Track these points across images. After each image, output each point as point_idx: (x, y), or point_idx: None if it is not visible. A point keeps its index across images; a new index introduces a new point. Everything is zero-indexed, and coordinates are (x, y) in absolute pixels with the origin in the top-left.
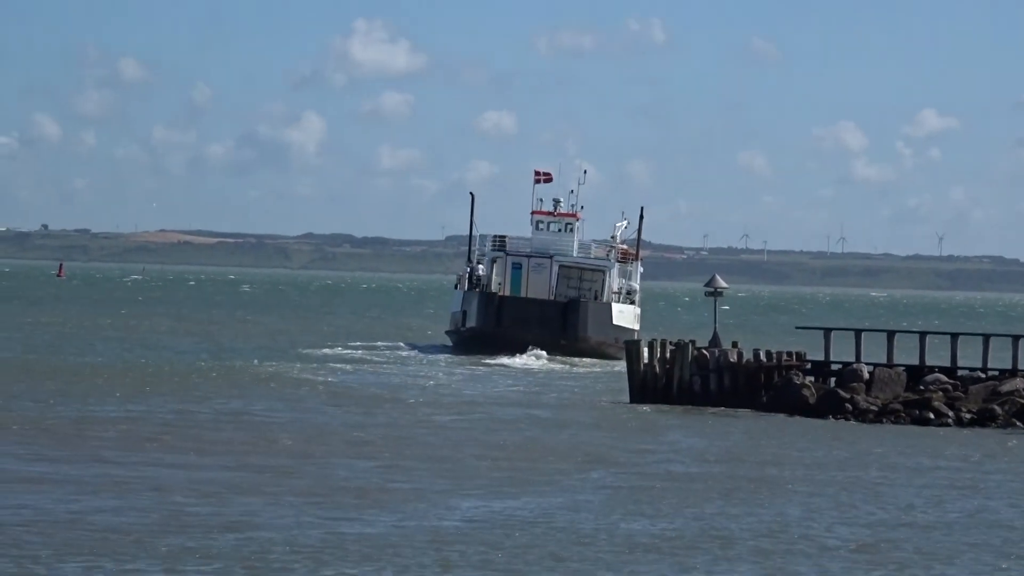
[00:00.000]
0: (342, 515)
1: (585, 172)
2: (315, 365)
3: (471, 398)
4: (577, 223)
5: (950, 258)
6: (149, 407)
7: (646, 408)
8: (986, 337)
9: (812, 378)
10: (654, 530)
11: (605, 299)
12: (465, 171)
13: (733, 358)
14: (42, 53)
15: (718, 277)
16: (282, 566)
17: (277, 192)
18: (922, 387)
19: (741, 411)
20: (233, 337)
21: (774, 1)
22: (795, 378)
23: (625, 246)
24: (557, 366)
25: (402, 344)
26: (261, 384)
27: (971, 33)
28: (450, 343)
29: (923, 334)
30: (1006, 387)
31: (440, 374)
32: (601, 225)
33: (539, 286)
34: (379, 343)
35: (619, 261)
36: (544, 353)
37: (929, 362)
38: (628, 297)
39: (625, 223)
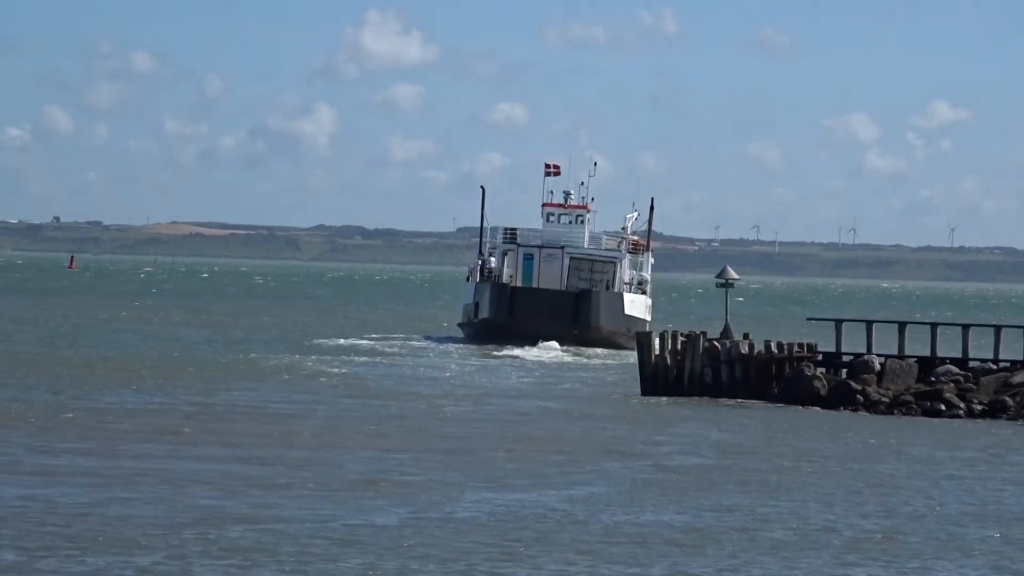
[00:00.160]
0: (357, 507)
1: (595, 164)
2: (329, 357)
3: (484, 390)
4: (588, 215)
5: (961, 249)
6: (164, 399)
7: (657, 400)
8: (997, 328)
9: (823, 370)
10: (672, 522)
11: (616, 290)
12: (476, 163)
13: (744, 350)
14: (55, 46)
15: (729, 269)
16: (297, 559)
17: (289, 184)
18: (933, 378)
19: (752, 403)
20: (248, 329)
21: None
22: (806, 370)
23: (636, 237)
24: (569, 357)
25: (416, 335)
26: (276, 376)
27: (983, 24)
28: (463, 335)
29: (934, 325)
30: (1017, 378)
31: (453, 365)
32: (613, 216)
33: (551, 277)
34: (393, 334)
35: (630, 252)
36: (556, 344)
37: (940, 353)
38: (640, 288)
39: (635, 214)
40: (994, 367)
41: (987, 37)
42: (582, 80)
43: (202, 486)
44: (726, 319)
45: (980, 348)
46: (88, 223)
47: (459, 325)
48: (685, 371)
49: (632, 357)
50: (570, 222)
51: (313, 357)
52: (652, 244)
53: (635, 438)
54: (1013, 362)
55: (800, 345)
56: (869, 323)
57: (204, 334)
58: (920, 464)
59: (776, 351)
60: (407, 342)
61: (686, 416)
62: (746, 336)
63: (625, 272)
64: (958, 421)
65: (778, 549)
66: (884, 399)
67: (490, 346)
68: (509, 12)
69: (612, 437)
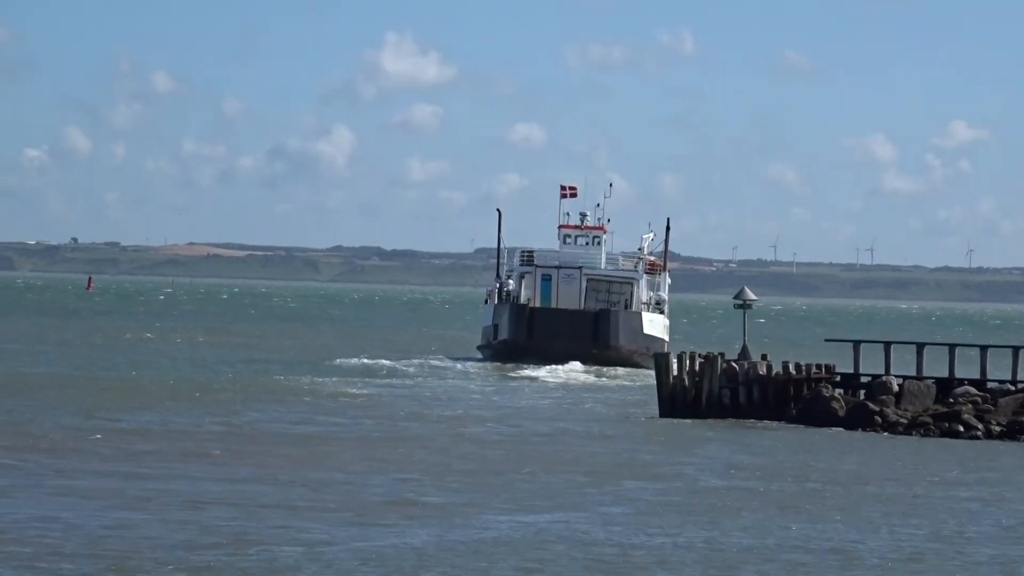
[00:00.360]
0: (380, 529)
1: (611, 185)
2: (351, 377)
3: (504, 411)
4: (604, 236)
5: (979, 270)
6: (187, 420)
7: (676, 421)
8: (1016, 349)
9: (841, 391)
10: (695, 543)
11: (634, 310)
12: (495, 183)
13: (762, 371)
14: (74, 67)
15: (747, 289)
16: None
17: (307, 205)
18: (952, 399)
19: (771, 423)
20: (271, 349)
21: (805, 13)
22: (824, 391)
23: (653, 258)
24: (588, 378)
25: (437, 356)
26: (297, 397)
27: (1001, 45)
28: (482, 358)
29: (952, 346)
30: None
31: (473, 386)
32: (631, 237)
33: (569, 298)
34: (414, 355)
35: (647, 273)
36: (579, 365)
37: (959, 374)
38: (657, 307)
39: (652, 235)
40: (1012, 388)
41: (1005, 58)
42: (601, 101)
43: (223, 507)
44: (744, 340)
45: (999, 369)
46: (106, 244)
47: (479, 348)
48: (703, 392)
49: (651, 377)
50: (587, 243)
51: (335, 378)
52: (669, 265)
53: (656, 459)
54: None
55: (818, 366)
56: (887, 344)
57: (227, 355)
58: (946, 486)
59: (794, 372)
60: (428, 363)
61: (706, 437)
62: (764, 357)
63: (643, 292)
64: (977, 442)
65: (804, 571)
66: (902, 420)
67: (509, 366)
68: (528, 33)
69: (633, 458)
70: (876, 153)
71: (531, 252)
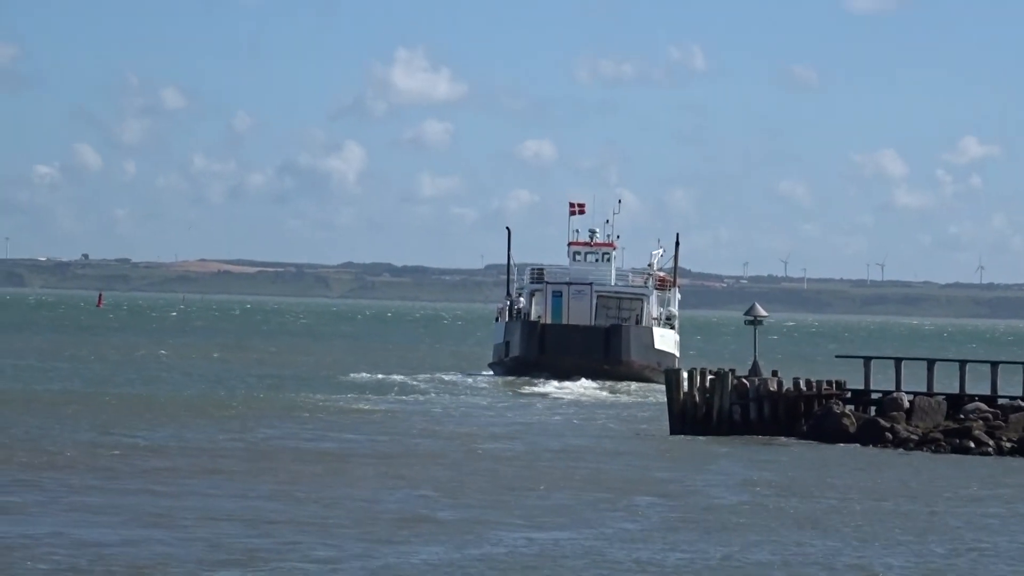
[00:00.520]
0: (393, 545)
1: (620, 202)
2: (364, 394)
3: (516, 428)
4: (614, 252)
5: (990, 286)
6: (200, 437)
7: (687, 438)
8: None
9: (852, 407)
10: (709, 560)
11: (645, 325)
12: (505, 199)
13: (773, 387)
14: (83, 82)
15: (758, 305)
16: None
17: (317, 221)
18: (962, 416)
19: (782, 440)
20: (285, 366)
21: (815, 28)
22: (835, 407)
23: (663, 273)
24: (599, 393)
25: (449, 372)
26: (311, 413)
27: (1012, 61)
28: (495, 375)
29: (963, 362)
30: None
31: (485, 403)
32: (642, 253)
33: (580, 314)
34: (427, 371)
35: (657, 288)
36: (589, 382)
37: (970, 391)
38: (668, 323)
39: (661, 251)
40: (1023, 404)
41: (1016, 74)
42: (611, 116)
43: (237, 524)
44: (754, 356)
45: (1011, 385)
46: (116, 260)
47: (490, 365)
48: (714, 408)
49: (661, 392)
50: (596, 260)
51: (349, 394)
52: (680, 281)
53: (669, 476)
54: None
55: (829, 382)
56: (898, 360)
57: (242, 371)
58: (962, 502)
59: (805, 388)
60: (440, 379)
61: (719, 453)
62: (775, 373)
63: (653, 308)
64: (988, 458)
65: None
66: (913, 436)
67: (521, 380)
68: (538, 49)
69: (646, 475)
70: (887, 168)
71: (541, 269)
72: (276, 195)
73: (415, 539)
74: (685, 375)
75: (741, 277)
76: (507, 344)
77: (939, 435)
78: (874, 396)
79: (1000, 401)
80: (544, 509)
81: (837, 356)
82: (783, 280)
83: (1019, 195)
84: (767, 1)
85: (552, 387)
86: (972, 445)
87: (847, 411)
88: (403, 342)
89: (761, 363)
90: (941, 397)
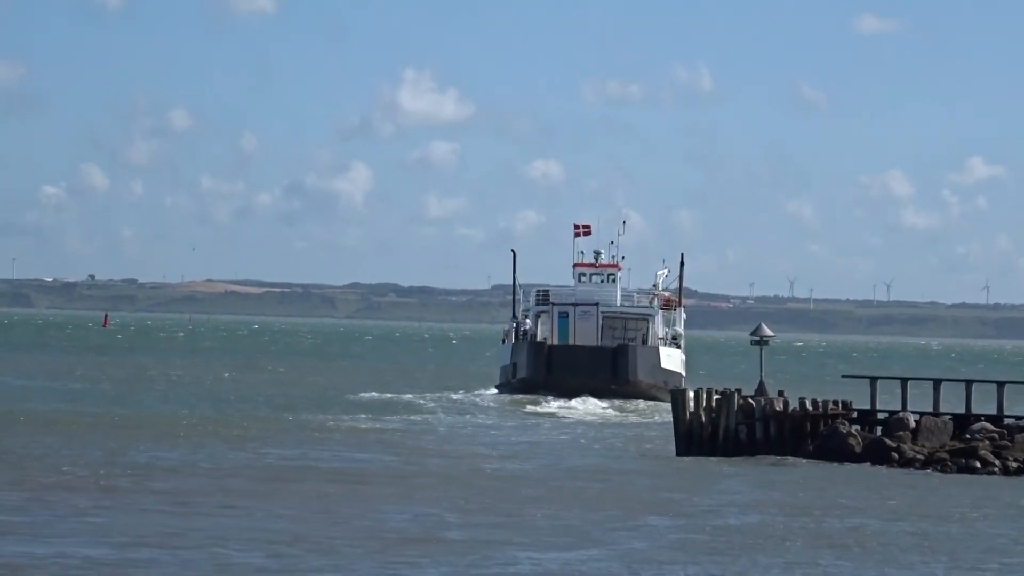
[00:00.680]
0: (398, 565)
1: (624, 223)
2: (374, 413)
3: (523, 447)
4: (619, 273)
5: (996, 306)
6: (209, 457)
7: (694, 457)
8: None
9: (858, 427)
10: None
11: (651, 344)
12: (512, 220)
13: (779, 407)
14: (91, 103)
15: (764, 326)
16: None
17: (324, 241)
18: (968, 436)
19: (788, 459)
20: (294, 386)
21: (822, 49)
22: (841, 427)
23: (668, 294)
24: (606, 412)
25: (458, 392)
26: (320, 433)
27: (1018, 81)
28: (502, 396)
29: (969, 382)
30: None
31: (493, 422)
32: (648, 273)
33: (586, 334)
34: (435, 391)
35: (662, 308)
36: (595, 400)
37: (976, 411)
38: (674, 342)
39: (666, 271)
40: None
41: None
42: (617, 137)
43: (244, 543)
44: (760, 376)
45: (1018, 405)
46: (123, 281)
47: (497, 388)
48: (720, 428)
49: (669, 411)
50: (601, 281)
51: (360, 414)
52: (686, 301)
53: (677, 495)
54: None
55: (835, 402)
56: (904, 380)
57: (252, 391)
58: (970, 522)
59: (811, 408)
60: (449, 398)
61: (727, 473)
62: (781, 393)
63: (659, 327)
64: (994, 478)
65: None
66: (919, 456)
67: (529, 399)
68: (545, 69)
69: (654, 495)
70: (893, 189)
71: (547, 291)
72: (283, 215)
73: (423, 559)
74: (691, 395)
75: (747, 298)
76: (514, 366)
77: (945, 455)
78: (880, 416)
79: (1006, 421)
80: (552, 529)
81: (843, 376)
82: (789, 301)
83: None
84: (775, 22)
85: (558, 406)
86: (978, 465)
87: (853, 431)
88: (412, 362)
89: (768, 383)
90: (947, 417)
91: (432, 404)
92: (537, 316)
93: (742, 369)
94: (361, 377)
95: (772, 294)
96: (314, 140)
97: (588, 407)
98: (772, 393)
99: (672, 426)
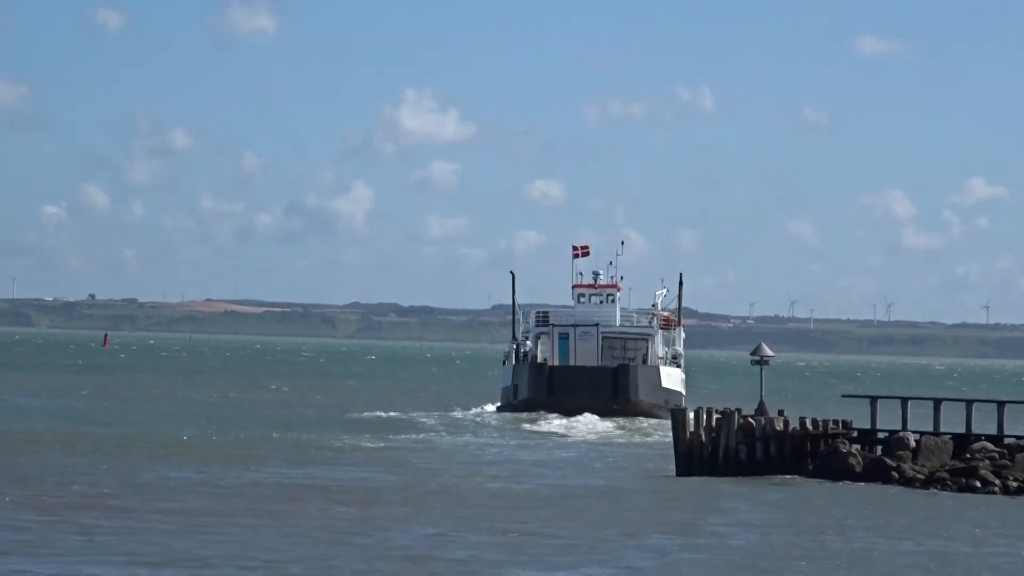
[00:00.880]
0: None
1: (623, 243)
2: (378, 432)
3: (525, 465)
4: (618, 293)
5: (996, 326)
6: (212, 475)
7: (696, 478)
8: None
9: (858, 446)
10: None
11: (651, 364)
12: (513, 240)
13: (779, 426)
14: (92, 123)
15: (764, 346)
16: None
17: (324, 261)
18: (968, 455)
19: (789, 478)
20: (301, 405)
21: (824, 69)
22: (841, 446)
23: (667, 313)
24: (607, 431)
25: (460, 411)
26: (322, 452)
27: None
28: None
29: (969, 402)
30: None
31: (494, 441)
32: (649, 293)
33: (587, 355)
34: (438, 410)
35: (662, 328)
36: (597, 418)
37: (976, 430)
38: (674, 361)
39: (665, 291)
40: None
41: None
42: (619, 157)
43: (244, 562)
44: (761, 396)
45: (1019, 424)
46: (123, 300)
47: (499, 409)
48: (720, 448)
49: (669, 429)
50: (600, 301)
51: (364, 433)
52: (686, 321)
53: (679, 515)
54: None
55: (835, 422)
56: (904, 400)
57: (257, 411)
58: (976, 542)
59: (811, 428)
60: (451, 417)
61: (728, 492)
62: (781, 413)
63: (658, 347)
64: (995, 497)
65: None
66: (919, 476)
67: (530, 418)
68: (546, 89)
69: (656, 513)
70: (894, 209)
71: (546, 312)
72: (283, 235)
73: None
74: (691, 415)
75: (747, 317)
76: (515, 387)
77: (945, 474)
78: (880, 435)
79: (1006, 440)
80: (554, 547)
81: (844, 395)
82: (789, 320)
83: None
84: (776, 43)
85: (560, 425)
86: (978, 484)
87: (853, 450)
88: (415, 381)
89: (768, 402)
90: (947, 436)
91: (434, 422)
92: (537, 337)
93: (744, 388)
94: (368, 396)
95: (772, 314)
96: (315, 160)
97: (590, 425)
98: (772, 412)
99: (671, 445)
